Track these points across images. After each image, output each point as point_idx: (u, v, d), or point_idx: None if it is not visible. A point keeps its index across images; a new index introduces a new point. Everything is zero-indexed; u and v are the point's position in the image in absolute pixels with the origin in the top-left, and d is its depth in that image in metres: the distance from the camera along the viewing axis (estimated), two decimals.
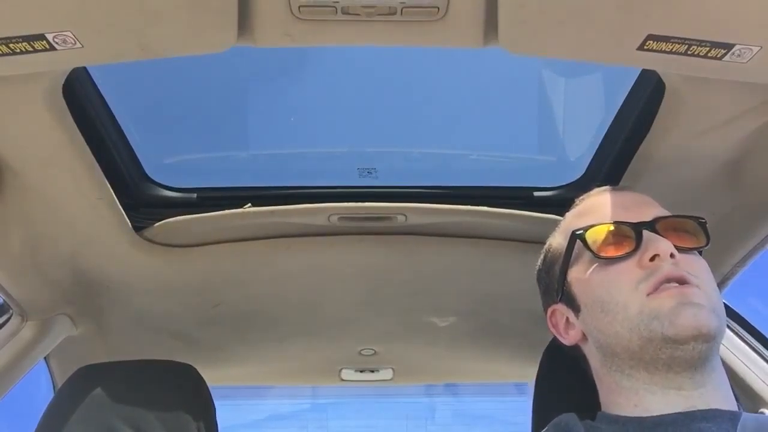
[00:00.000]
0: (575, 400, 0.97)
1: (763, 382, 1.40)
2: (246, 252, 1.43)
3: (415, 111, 1.41)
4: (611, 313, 0.85)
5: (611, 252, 0.87)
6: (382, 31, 0.85)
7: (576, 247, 0.91)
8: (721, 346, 1.25)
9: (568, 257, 0.92)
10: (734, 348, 1.45)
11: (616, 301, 0.85)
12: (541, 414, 1.06)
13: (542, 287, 1.01)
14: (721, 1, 0.76)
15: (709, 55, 0.83)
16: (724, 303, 1.46)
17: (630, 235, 0.87)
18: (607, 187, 0.99)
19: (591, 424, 0.87)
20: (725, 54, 0.82)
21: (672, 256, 0.84)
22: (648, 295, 0.83)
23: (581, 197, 1.00)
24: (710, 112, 1.01)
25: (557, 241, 0.98)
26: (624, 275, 0.86)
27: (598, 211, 0.93)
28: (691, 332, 0.80)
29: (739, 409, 0.86)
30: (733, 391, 0.90)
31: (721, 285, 1.35)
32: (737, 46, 0.81)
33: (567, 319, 0.94)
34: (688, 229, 0.90)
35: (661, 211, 0.91)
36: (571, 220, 0.97)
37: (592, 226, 0.90)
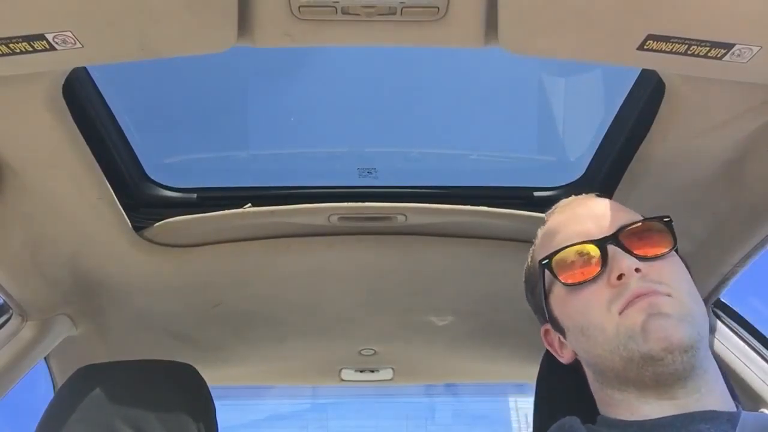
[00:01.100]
0: (576, 400, 0.97)
1: (763, 381, 1.40)
2: (246, 252, 1.43)
3: (415, 111, 1.41)
4: (591, 336, 0.85)
5: (578, 277, 0.86)
6: (382, 31, 0.85)
7: (546, 275, 0.91)
8: (721, 345, 1.26)
9: (543, 284, 0.92)
10: (734, 348, 1.45)
11: (593, 324, 0.85)
12: (543, 414, 1.06)
13: (531, 306, 1.01)
14: (721, 1, 0.76)
15: (709, 55, 0.83)
16: (723, 303, 1.47)
17: (594, 253, 0.86)
18: (570, 199, 0.97)
19: (592, 427, 0.87)
20: (725, 54, 0.82)
21: (638, 270, 0.83)
22: (620, 313, 0.82)
23: (548, 213, 0.99)
24: (710, 112, 1.01)
25: (532, 263, 0.97)
26: (595, 296, 0.85)
27: (561, 230, 0.92)
28: (662, 345, 0.79)
29: (738, 408, 0.86)
30: (734, 391, 0.90)
31: (721, 285, 1.35)
32: (737, 46, 0.81)
33: (559, 339, 0.94)
34: (654, 232, 0.88)
35: (624, 217, 0.89)
36: (539, 243, 0.97)
37: (555, 252, 0.89)
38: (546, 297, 0.92)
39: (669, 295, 0.82)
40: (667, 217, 0.90)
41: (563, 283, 0.88)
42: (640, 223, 0.88)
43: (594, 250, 0.86)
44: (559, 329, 0.92)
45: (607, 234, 0.87)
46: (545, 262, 0.90)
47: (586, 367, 0.91)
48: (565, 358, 0.94)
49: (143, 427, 1.14)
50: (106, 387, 1.18)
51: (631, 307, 0.81)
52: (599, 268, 0.85)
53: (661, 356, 0.79)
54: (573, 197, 0.98)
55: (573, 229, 0.90)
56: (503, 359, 1.92)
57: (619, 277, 0.83)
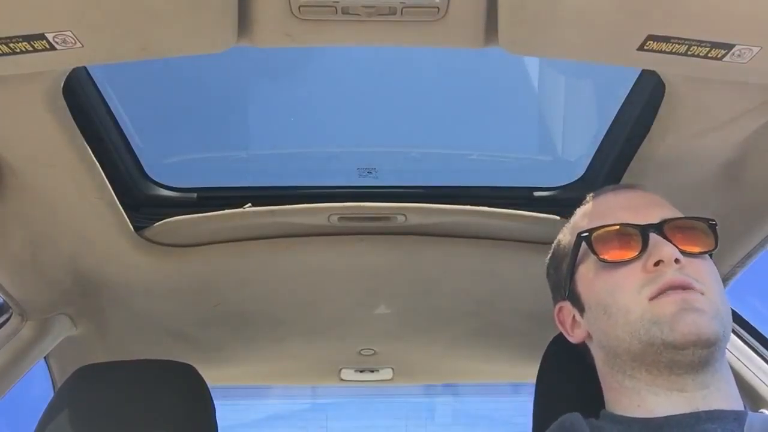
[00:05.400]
0: (576, 399, 0.97)
1: (763, 382, 1.40)
2: (246, 252, 1.43)
3: (415, 111, 1.41)
4: (613, 316, 0.85)
5: (616, 256, 0.87)
6: (382, 31, 0.85)
7: (582, 248, 0.91)
8: None
9: (574, 258, 0.92)
10: (734, 348, 1.45)
11: (619, 305, 0.85)
12: (542, 414, 1.06)
13: (551, 283, 1.01)
14: (721, 1, 0.76)
15: (709, 55, 0.83)
16: None
17: (636, 237, 0.87)
18: (616, 185, 0.98)
19: (595, 423, 0.87)
20: (725, 54, 0.82)
21: (677, 261, 0.83)
22: (650, 300, 0.83)
23: (591, 194, 0.99)
24: (710, 112, 1.01)
25: (566, 238, 0.97)
26: (628, 279, 0.85)
27: (605, 211, 0.93)
28: (690, 338, 0.79)
29: (745, 408, 0.86)
30: None
31: None
32: (737, 47, 0.81)
33: (573, 317, 0.94)
34: (697, 230, 0.89)
35: (670, 212, 0.90)
36: (579, 219, 0.97)
37: (597, 228, 0.89)
38: (573, 271, 0.92)
39: (703, 294, 0.82)
40: (713, 220, 0.90)
41: (599, 258, 0.88)
42: (684, 219, 0.89)
43: (636, 234, 0.87)
44: (579, 306, 0.92)
45: (651, 222, 0.87)
46: (585, 234, 0.90)
47: (599, 350, 0.91)
48: (575, 337, 0.95)
49: (143, 427, 1.14)
50: (106, 387, 1.18)
51: (664, 298, 0.82)
52: (637, 253, 0.86)
53: (685, 347, 0.80)
54: (619, 185, 0.98)
55: (617, 212, 0.91)
56: (503, 359, 1.92)
57: (657, 263, 0.83)
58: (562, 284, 0.95)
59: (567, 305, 0.95)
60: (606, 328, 0.87)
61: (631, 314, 0.83)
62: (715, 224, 0.90)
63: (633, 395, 0.86)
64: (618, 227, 0.89)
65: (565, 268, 0.95)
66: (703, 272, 0.85)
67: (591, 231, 0.90)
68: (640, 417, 0.84)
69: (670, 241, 0.85)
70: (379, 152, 1.45)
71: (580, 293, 0.92)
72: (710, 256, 0.89)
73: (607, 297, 0.87)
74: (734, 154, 1.09)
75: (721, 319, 0.82)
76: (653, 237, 0.86)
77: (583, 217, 0.96)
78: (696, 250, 0.87)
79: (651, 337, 0.81)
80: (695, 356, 0.80)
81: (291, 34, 0.84)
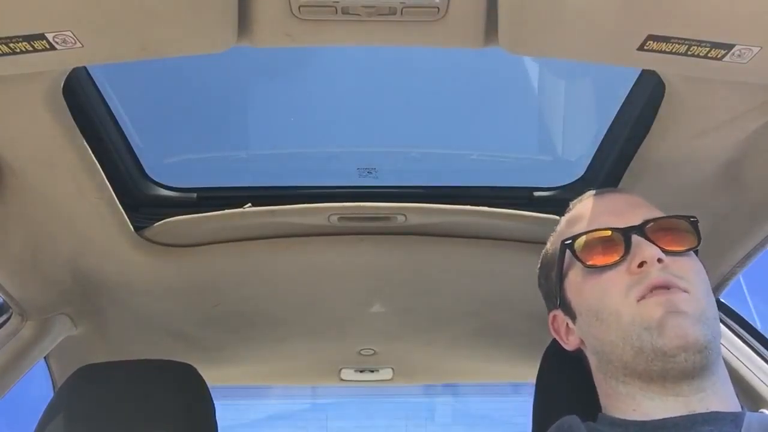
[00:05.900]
0: (576, 400, 0.97)
1: (763, 382, 1.40)
2: (246, 252, 1.43)
3: (415, 111, 1.41)
4: (605, 321, 0.85)
5: (600, 261, 0.87)
6: (382, 31, 0.85)
7: (567, 256, 0.91)
8: (721, 346, 1.26)
9: (561, 266, 0.93)
10: (734, 348, 1.45)
11: (609, 309, 0.85)
12: (542, 414, 1.06)
13: (542, 292, 1.01)
14: (721, 1, 0.76)
15: (709, 55, 0.83)
16: (723, 303, 1.47)
17: (618, 241, 0.87)
18: (597, 191, 0.98)
19: (593, 426, 0.87)
20: (725, 54, 0.82)
21: (660, 261, 0.83)
22: (638, 301, 0.83)
23: (573, 202, 1.00)
24: (710, 112, 1.01)
25: (552, 247, 0.98)
26: (614, 282, 0.85)
27: (587, 217, 0.93)
28: (677, 343, 0.79)
29: (742, 409, 0.86)
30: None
31: (721, 285, 1.35)
32: (737, 47, 0.81)
33: (567, 324, 0.94)
34: (680, 229, 0.89)
35: (652, 213, 0.90)
36: (564, 226, 0.97)
37: (580, 234, 0.90)
38: (562, 280, 0.93)
39: (687, 291, 0.82)
40: (694, 217, 0.90)
41: (584, 265, 0.88)
42: (666, 219, 0.89)
43: (618, 238, 0.87)
44: (570, 314, 0.92)
45: (633, 224, 0.88)
46: (568, 242, 0.90)
47: (592, 356, 0.91)
48: (570, 345, 0.95)
49: (143, 427, 1.14)
50: (106, 387, 1.18)
51: (651, 298, 0.82)
52: (621, 255, 0.86)
53: (674, 353, 0.79)
54: (600, 190, 0.99)
55: (599, 217, 0.91)
56: (503, 359, 1.92)
57: (641, 265, 0.84)
58: (553, 293, 0.95)
59: (559, 313, 0.95)
60: (599, 334, 0.87)
61: (622, 317, 0.83)
62: (697, 221, 0.90)
63: (628, 400, 0.85)
64: (600, 232, 0.89)
65: (553, 276, 0.95)
66: (687, 269, 0.85)
67: (574, 238, 0.90)
68: (636, 420, 0.84)
69: (653, 242, 0.85)
70: (379, 152, 1.45)
71: (571, 301, 0.92)
72: (696, 253, 0.89)
73: (596, 302, 0.87)
74: (734, 154, 1.09)
75: (707, 320, 0.82)
76: (635, 239, 0.86)
77: (567, 224, 0.96)
78: (678, 248, 0.87)
79: (642, 343, 0.81)
80: (687, 363, 0.80)
81: (291, 34, 0.84)
